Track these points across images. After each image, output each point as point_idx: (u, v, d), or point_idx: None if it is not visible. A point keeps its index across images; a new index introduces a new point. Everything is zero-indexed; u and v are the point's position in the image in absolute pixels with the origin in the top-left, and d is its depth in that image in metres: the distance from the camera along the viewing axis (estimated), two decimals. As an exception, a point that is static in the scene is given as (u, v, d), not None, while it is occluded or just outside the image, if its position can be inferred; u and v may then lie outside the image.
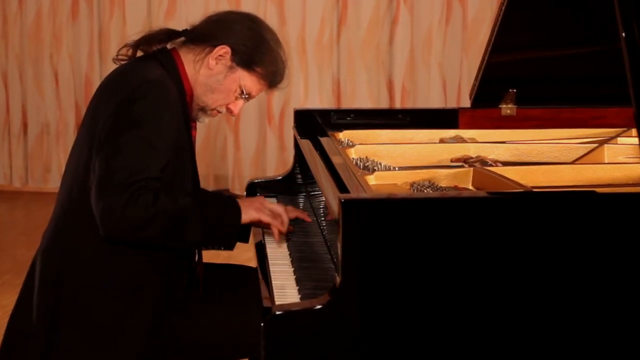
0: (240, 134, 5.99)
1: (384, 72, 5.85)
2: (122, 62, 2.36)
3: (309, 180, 2.84)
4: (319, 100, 5.86)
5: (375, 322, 1.87)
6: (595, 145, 2.68)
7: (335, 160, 2.39)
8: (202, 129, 5.96)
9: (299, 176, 3.02)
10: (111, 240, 2.18)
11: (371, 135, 2.92)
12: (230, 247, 2.29)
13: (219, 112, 2.40)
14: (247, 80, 2.35)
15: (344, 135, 2.88)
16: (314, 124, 2.97)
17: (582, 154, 2.65)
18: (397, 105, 5.80)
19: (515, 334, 1.89)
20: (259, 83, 2.37)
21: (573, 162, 2.61)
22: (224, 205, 2.32)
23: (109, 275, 2.23)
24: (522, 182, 2.18)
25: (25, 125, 6.31)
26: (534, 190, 2.09)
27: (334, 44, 5.84)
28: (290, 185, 3.02)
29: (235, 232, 2.29)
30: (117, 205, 2.11)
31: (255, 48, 2.33)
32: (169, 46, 2.38)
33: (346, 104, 5.84)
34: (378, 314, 1.86)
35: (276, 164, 5.94)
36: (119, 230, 2.15)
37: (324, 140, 2.71)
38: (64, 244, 2.26)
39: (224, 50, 2.31)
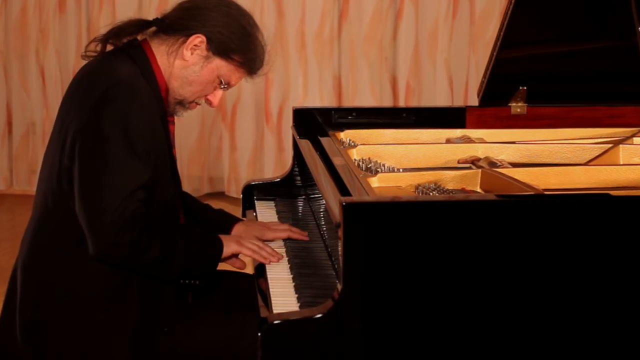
0: (236, 133, 5.99)
1: (387, 69, 5.84)
2: (91, 58, 2.34)
3: (309, 182, 2.84)
4: (319, 98, 5.85)
5: (378, 331, 1.87)
6: (610, 145, 2.68)
7: (336, 161, 2.39)
8: (196, 128, 5.97)
9: (298, 178, 3.02)
10: (99, 261, 2.19)
11: (374, 135, 2.92)
12: (205, 280, 2.33)
13: (197, 104, 2.39)
14: (225, 69, 2.33)
15: (346, 135, 2.88)
16: (313, 123, 2.97)
17: (596, 154, 2.65)
18: (401, 103, 5.80)
19: (531, 346, 1.89)
20: (237, 71, 2.35)
21: (586, 164, 2.61)
22: (205, 238, 2.33)
23: (91, 283, 2.23)
24: (532, 184, 2.18)
25: (10, 125, 6.30)
26: (545, 192, 2.09)
27: (334, 39, 5.84)
28: (289, 188, 3.02)
29: (214, 267, 2.32)
30: (113, 231, 2.13)
31: (231, 35, 2.31)
32: (139, 37, 2.36)
33: (348, 102, 5.84)
34: (381, 323, 1.86)
35: (274, 165, 5.94)
36: (111, 257, 2.18)
37: (324, 141, 2.71)
38: (42, 254, 2.27)
39: (198, 39, 2.29)
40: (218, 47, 2.30)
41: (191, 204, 2.64)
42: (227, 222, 2.59)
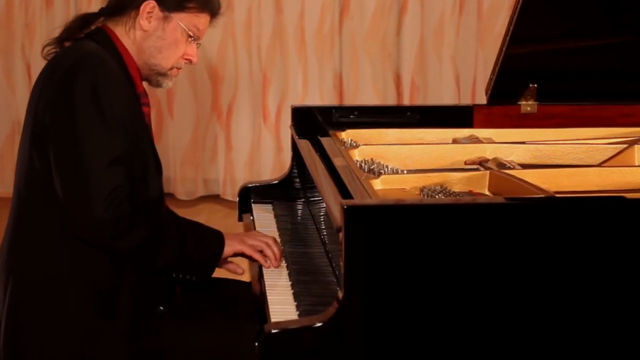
0: (232, 133, 5.99)
1: (390, 66, 5.85)
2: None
3: (308, 184, 2.84)
4: (319, 96, 5.86)
5: (381, 341, 1.87)
6: (625, 146, 2.68)
7: (337, 162, 2.39)
8: (189, 127, 5.96)
9: (297, 180, 3.02)
10: (81, 239, 2.21)
11: (377, 135, 2.92)
12: (204, 278, 2.33)
13: (178, 68, 2.44)
14: (186, 21, 2.39)
15: (347, 135, 2.88)
16: (313, 123, 2.98)
17: (610, 155, 2.65)
18: (406, 102, 5.80)
19: (540, 353, 1.90)
20: (199, 17, 2.40)
21: (600, 165, 2.61)
22: (207, 232, 2.35)
23: (74, 273, 2.25)
24: (543, 186, 2.18)
25: (-6, 124, 6.31)
26: (557, 195, 2.09)
27: (335, 35, 5.84)
28: (288, 190, 3.02)
29: (214, 263, 2.33)
30: (96, 208, 2.15)
31: None
32: (93, 27, 2.42)
33: (349, 101, 5.84)
34: (384, 332, 1.86)
35: (272, 166, 5.94)
36: (94, 235, 2.19)
37: (324, 141, 2.71)
38: (22, 243, 2.29)
39: (149, 5, 2.35)
40: (170, 3, 2.36)
41: None
42: None
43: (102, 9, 2.42)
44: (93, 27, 2.41)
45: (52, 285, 2.24)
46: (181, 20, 2.37)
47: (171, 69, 2.41)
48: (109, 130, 2.20)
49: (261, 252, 2.37)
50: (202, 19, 2.41)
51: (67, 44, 2.40)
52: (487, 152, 2.69)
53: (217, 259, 2.33)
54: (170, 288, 2.38)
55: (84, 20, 2.42)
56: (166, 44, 2.37)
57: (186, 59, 2.42)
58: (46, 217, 2.24)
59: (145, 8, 2.35)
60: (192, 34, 2.39)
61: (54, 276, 2.24)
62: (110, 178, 2.16)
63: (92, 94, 2.20)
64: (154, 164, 2.38)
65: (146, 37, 2.36)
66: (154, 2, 2.35)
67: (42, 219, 2.25)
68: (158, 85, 2.43)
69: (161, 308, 2.32)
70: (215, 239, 2.34)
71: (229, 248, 2.34)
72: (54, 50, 2.40)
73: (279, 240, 2.59)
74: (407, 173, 2.46)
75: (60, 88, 2.22)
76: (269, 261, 2.37)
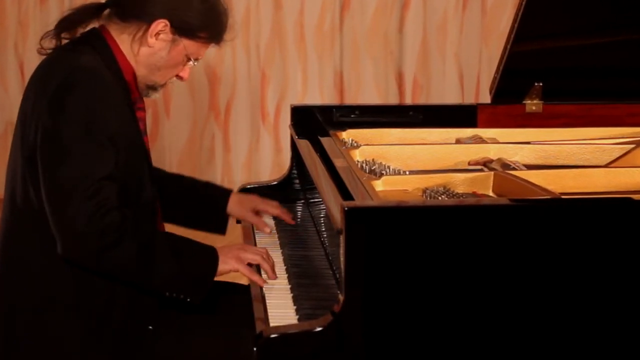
0: (230, 133, 5.99)
1: (392, 64, 5.85)
2: (48, 54, 2.38)
3: (308, 185, 2.85)
4: (319, 95, 5.85)
5: (382, 346, 1.87)
6: (632, 146, 2.68)
7: (338, 163, 2.39)
8: (186, 127, 5.96)
9: (297, 181, 3.02)
10: (70, 262, 2.20)
11: (378, 135, 2.92)
12: (197, 298, 2.27)
13: (170, 83, 2.45)
14: (192, 48, 2.37)
15: (348, 135, 2.88)
16: (313, 122, 2.98)
17: (617, 156, 2.65)
18: (408, 100, 5.80)
19: (547, 355, 1.90)
20: (206, 46, 2.40)
21: (607, 166, 2.61)
22: (201, 249, 2.31)
23: (65, 290, 2.24)
24: (549, 187, 2.18)
25: (-13, 124, 6.30)
26: (563, 197, 2.09)
27: (336, 32, 5.84)
28: (287, 192, 3.02)
29: (208, 282, 2.28)
30: (79, 220, 2.14)
31: (194, 13, 2.34)
32: (96, 24, 2.39)
33: (350, 100, 5.84)
34: (385, 338, 1.86)
35: (271, 167, 5.94)
36: (79, 249, 2.17)
37: (324, 141, 2.71)
38: (14, 257, 2.29)
39: (161, 24, 2.32)
40: (182, 28, 2.34)
41: (173, 182, 2.69)
42: (221, 198, 2.74)
43: (111, 1, 2.37)
44: (95, 23, 2.37)
45: (42, 303, 2.24)
46: (188, 47, 2.35)
47: (163, 85, 2.41)
48: (99, 149, 2.18)
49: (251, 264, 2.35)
50: (206, 47, 2.40)
51: (63, 40, 2.36)
52: (491, 152, 2.69)
53: (212, 276, 2.28)
54: (161, 307, 2.36)
55: (89, 12, 2.37)
56: (166, 65, 2.36)
57: (178, 76, 2.42)
58: (39, 237, 2.23)
59: (157, 26, 2.31)
60: (192, 59, 2.38)
61: (45, 297, 2.24)
62: (93, 195, 2.14)
63: (83, 114, 2.18)
64: (148, 171, 2.37)
65: (149, 54, 2.34)
66: (167, 22, 2.31)
67: (34, 233, 2.24)
68: (145, 95, 2.43)
69: (150, 327, 2.31)
70: (209, 255, 2.29)
71: (225, 265, 2.29)
72: (48, 50, 2.36)
73: (277, 243, 2.60)
74: (409, 174, 2.46)
75: (51, 109, 2.20)
76: (267, 279, 2.32)
